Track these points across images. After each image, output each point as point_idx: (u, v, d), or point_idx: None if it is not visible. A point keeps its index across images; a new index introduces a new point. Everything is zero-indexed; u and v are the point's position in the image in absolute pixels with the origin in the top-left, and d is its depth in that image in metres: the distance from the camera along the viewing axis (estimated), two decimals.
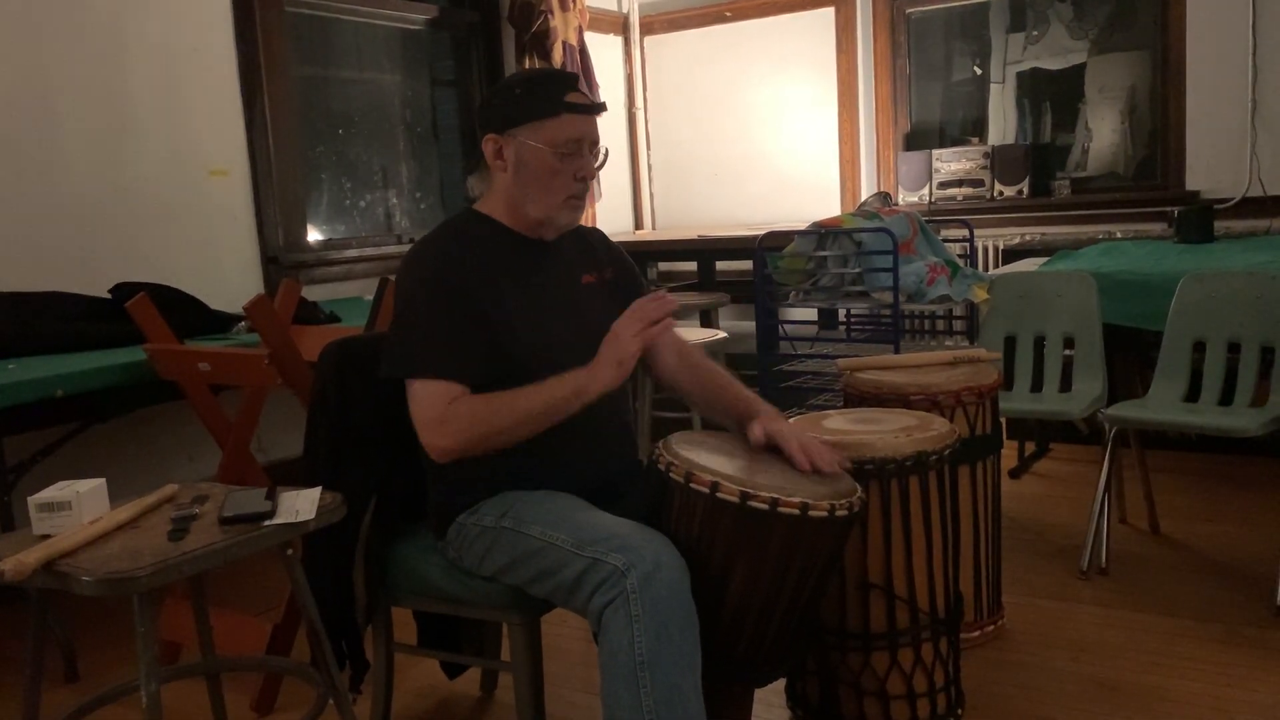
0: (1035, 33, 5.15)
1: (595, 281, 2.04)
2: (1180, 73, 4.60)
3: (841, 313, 4.19)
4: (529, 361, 1.86)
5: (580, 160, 1.90)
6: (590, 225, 5.11)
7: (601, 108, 1.97)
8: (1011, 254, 4.61)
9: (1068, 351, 3.36)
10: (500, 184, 1.94)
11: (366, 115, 4.75)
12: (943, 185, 5.10)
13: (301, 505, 1.76)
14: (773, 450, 1.88)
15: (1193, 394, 3.11)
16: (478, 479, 1.89)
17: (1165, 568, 3.00)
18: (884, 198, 4.76)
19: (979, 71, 5.35)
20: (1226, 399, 3.05)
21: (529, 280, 1.93)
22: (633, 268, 2.15)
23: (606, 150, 1.97)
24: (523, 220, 1.95)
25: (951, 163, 5.09)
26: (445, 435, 1.79)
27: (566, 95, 1.89)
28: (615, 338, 1.82)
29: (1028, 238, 4.85)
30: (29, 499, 1.73)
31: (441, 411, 1.79)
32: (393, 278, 2.49)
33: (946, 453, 2.14)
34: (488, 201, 1.97)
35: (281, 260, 3.99)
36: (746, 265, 4.46)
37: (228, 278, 3.80)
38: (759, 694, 2.10)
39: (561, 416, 1.81)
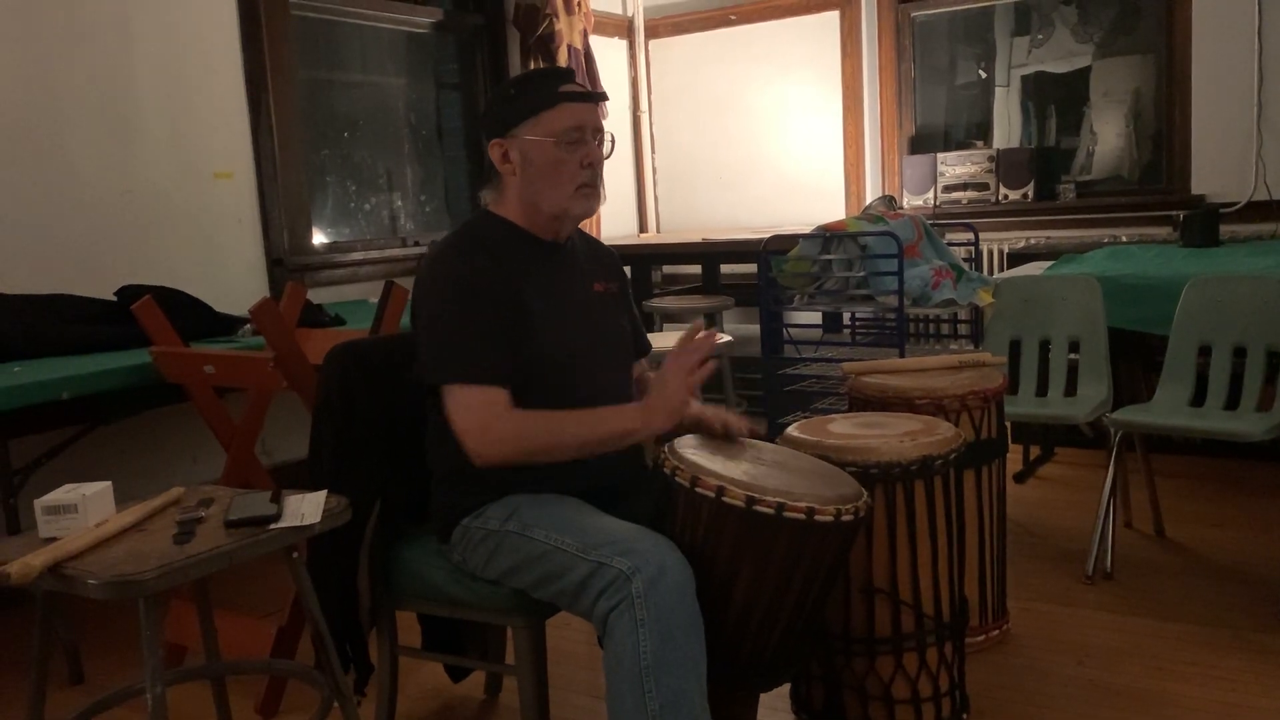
0: (1040, 36, 5.15)
1: (605, 291, 2.05)
2: (1185, 76, 4.59)
3: (846, 316, 4.18)
4: (549, 365, 1.86)
5: (585, 148, 1.90)
6: (595, 229, 5.12)
7: (600, 96, 1.97)
8: (1016, 258, 4.60)
9: (1073, 355, 3.35)
10: (511, 187, 1.94)
11: (371, 118, 4.76)
12: (947, 189, 5.10)
13: (306, 509, 1.77)
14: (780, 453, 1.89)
15: (1198, 398, 3.10)
16: (482, 482, 1.89)
17: (1171, 572, 2.99)
18: (889, 201, 4.75)
19: (984, 75, 5.35)
20: (1232, 403, 3.05)
21: (547, 284, 1.93)
22: (630, 294, 2.17)
23: (613, 138, 1.97)
24: (538, 220, 1.95)
25: (956, 166, 5.08)
26: (490, 445, 1.78)
27: (561, 86, 1.90)
28: (664, 386, 1.81)
29: (1033, 241, 4.84)
30: (35, 502, 1.73)
31: (486, 419, 1.78)
32: (398, 281, 2.51)
33: (951, 457, 2.13)
34: (502, 206, 1.97)
35: (286, 263, 3.99)
36: (751, 268, 4.46)
37: (233, 280, 3.80)
38: (764, 698, 2.10)
39: (606, 450, 1.81)
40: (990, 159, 5.02)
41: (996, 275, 3.99)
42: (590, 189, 1.93)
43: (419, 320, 1.90)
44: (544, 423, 1.80)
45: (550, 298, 1.92)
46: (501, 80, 5.14)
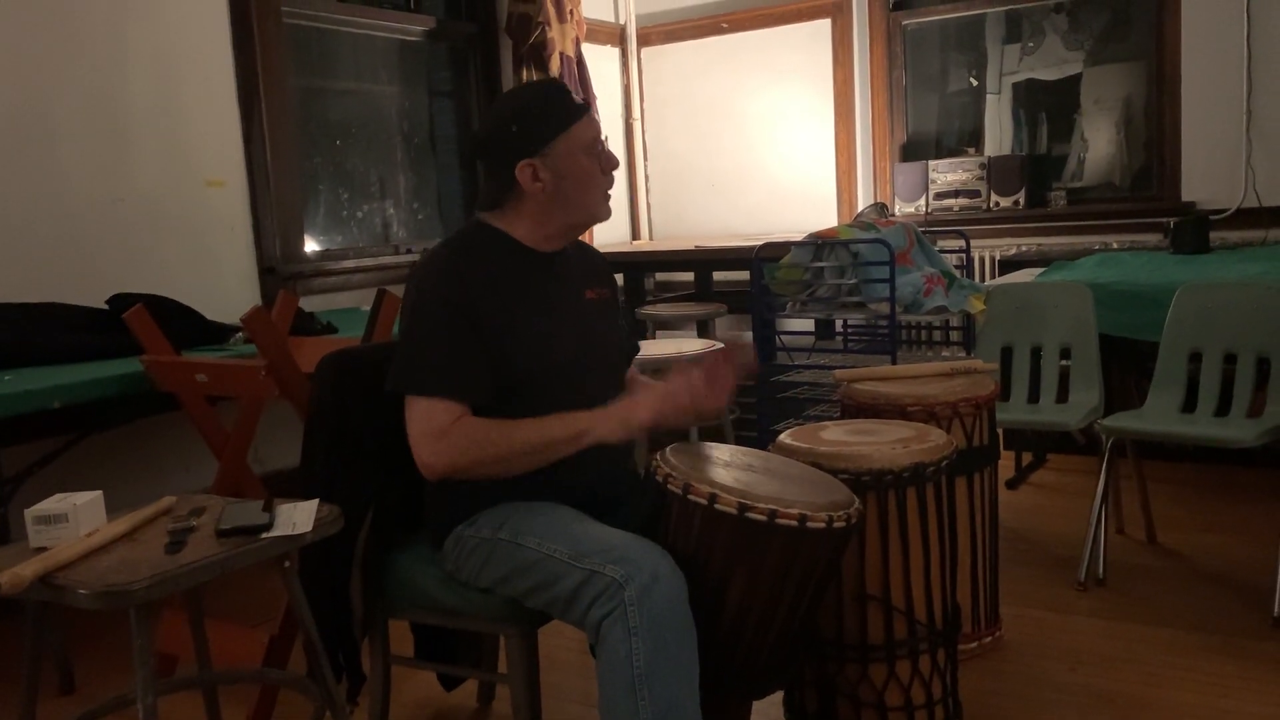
0: (1031, 44, 5.17)
1: (596, 298, 2.05)
2: (1175, 84, 4.61)
3: (838, 323, 4.18)
4: (539, 375, 1.86)
5: (605, 155, 1.95)
6: (588, 237, 5.13)
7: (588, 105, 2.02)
8: (1008, 265, 4.61)
9: (1064, 362, 3.36)
10: (531, 204, 1.92)
11: (364, 126, 4.76)
12: (939, 196, 5.12)
13: (298, 518, 1.76)
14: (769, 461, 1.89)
15: (1189, 405, 3.11)
16: (475, 491, 1.89)
17: (1162, 578, 3.00)
18: (880, 208, 4.76)
19: (975, 82, 5.36)
20: (1223, 410, 3.06)
21: (538, 294, 1.93)
22: (618, 294, 2.20)
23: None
24: (551, 232, 1.95)
25: (948, 173, 5.10)
26: (437, 454, 1.80)
27: (574, 97, 1.95)
28: (634, 404, 1.84)
29: (1024, 248, 4.85)
30: (26, 511, 1.72)
31: (437, 429, 1.80)
32: (390, 289, 2.51)
33: (944, 464, 2.14)
34: (504, 218, 1.95)
35: (279, 271, 3.99)
36: (743, 276, 4.45)
37: (225, 288, 3.80)
38: (757, 706, 2.10)
39: (556, 457, 1.82)
40: (981, 166, 5.03)
41: (988, 282, 4.00)
42: (610, 193, 1.98)
43: (399, 328, 1.92)
44: (493, 430, 1.81)
45: (542, 309, 1.92)
46: (495, 88, 5.15)
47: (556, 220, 1.94)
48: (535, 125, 1.90)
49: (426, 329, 1.85)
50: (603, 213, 1.98)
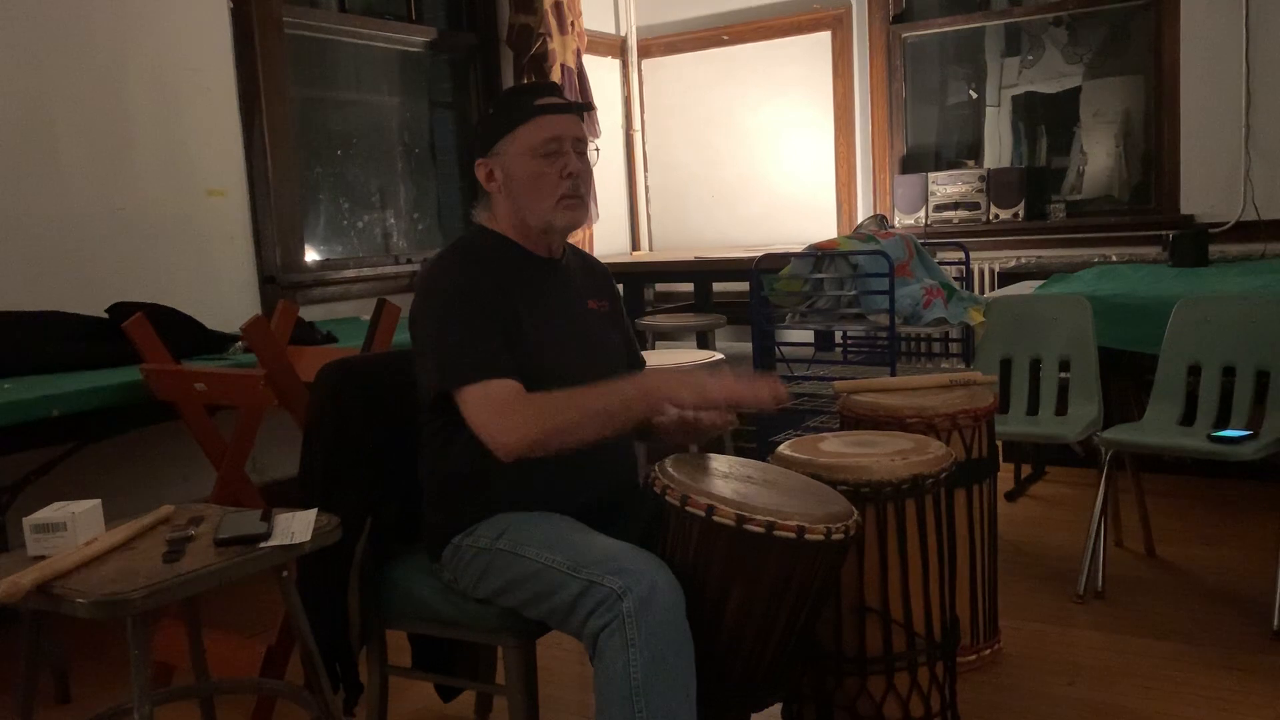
0: (1030, 57, 5.19)
1: (597, 308, 2.05)
2: (1174, 97, 4.63)
3: (838, 335, 4.19)
4: (537, 381, 1.86)
5: (563, 159, 1.90)
6: (588, 247, 5.13)
7: (580, 107, 1.98)
8: (1007, 277, 4.62)
9: (1063, 374, 3.36)
10: (500, 204, 1.95)
11: (365, 136, 4.77)
12: (939, 208, 5.12)
13: (297, 527, 1.76)
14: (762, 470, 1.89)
15: (1188, 418, 3.11)
16: (473, 500, 1.89)
17: (1161, 591, 3.00)
18: (880, 220, 4.77)
19: (974, 95, 5.38)
20: (1222, 423, 3.06)
21: (540, 298, 1.94)
22: (624, 309, 2.18)
23: (598, 148, 1.98)
24: (529, 234, 1.95)
25: (947, 186, 5.10)
26: (510, 430, 1.74)
27: (538, 99, 1.92)
28: (701, 378, 1.79)
29: (1023, 261, 4.86)
30: (24, 520, 1.72)
31: (503, 406, 1.75)
32: (391, 299, 2.51)
33: (943, 476, 2.14)
34: (494, 222, 1.98)
35: (279, 280, 3.99)
36: (743, 287, 4.47)
37: (225, 298, 3.80)
38: (754, 718, 2.09)
39: (631, 419, 1.77)
40: (981, 179, 5.04)
41: (987, 294, 4.01)
42: (573, 200, 1.92)
43: (420, 335, 1.89)
44: (560, 399, 1.77)
45: (545, 314, 1.92)
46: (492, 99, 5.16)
47: (525, 223, 1.94)
48: (488, 125, 1.93)
49: (459, 320, 1.82)
50: (559, 220, 1.91)
